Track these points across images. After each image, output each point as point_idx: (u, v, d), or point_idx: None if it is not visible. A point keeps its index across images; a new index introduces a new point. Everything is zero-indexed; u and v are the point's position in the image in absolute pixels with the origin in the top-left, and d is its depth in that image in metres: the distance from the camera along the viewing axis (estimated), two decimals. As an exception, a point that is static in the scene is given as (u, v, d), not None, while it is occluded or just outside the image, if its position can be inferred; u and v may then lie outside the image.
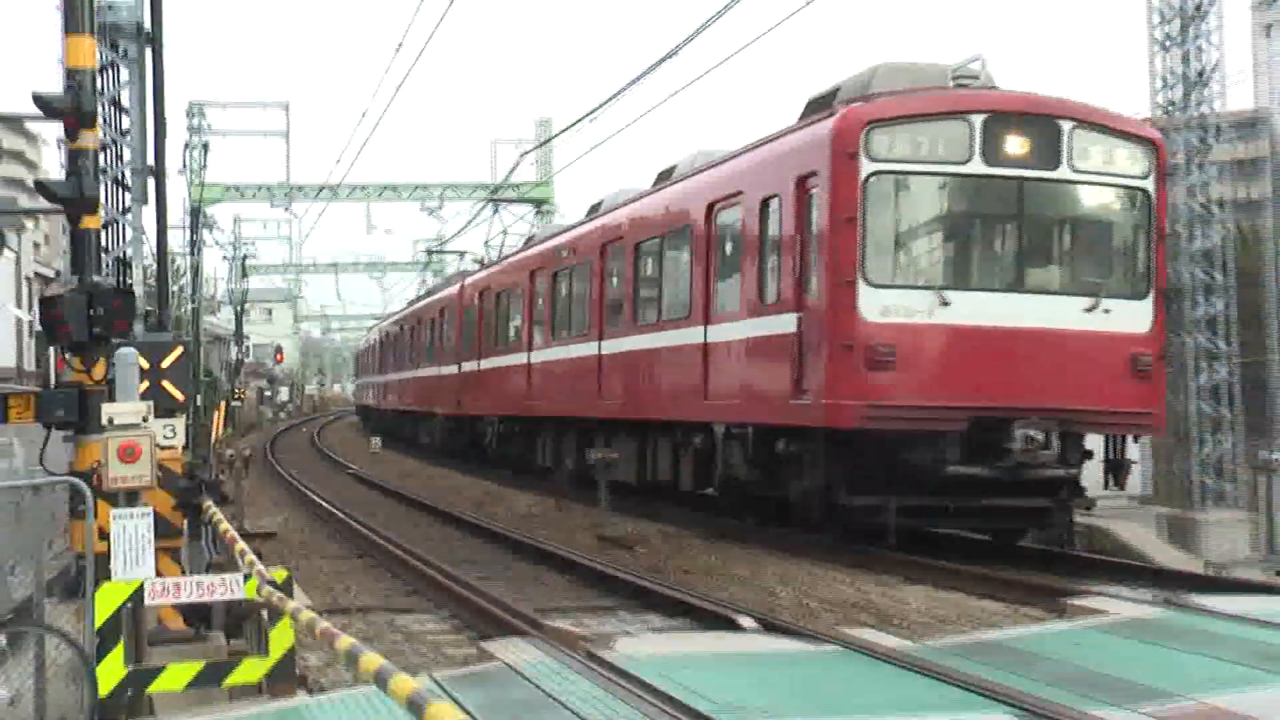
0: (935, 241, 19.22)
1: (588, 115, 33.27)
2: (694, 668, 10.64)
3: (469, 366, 41.00)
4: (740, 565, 18.21)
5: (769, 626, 12.97)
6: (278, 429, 79.15)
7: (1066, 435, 17.92)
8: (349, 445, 61.46)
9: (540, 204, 59.06)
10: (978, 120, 17.91)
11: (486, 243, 52.73)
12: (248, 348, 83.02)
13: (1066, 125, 18.35)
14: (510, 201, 55.66)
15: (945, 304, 17.68)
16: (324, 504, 29.12)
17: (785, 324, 18.72)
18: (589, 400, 27.74)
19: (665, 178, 26.51)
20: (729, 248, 22.00)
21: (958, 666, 10.50)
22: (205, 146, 56.10)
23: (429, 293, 58.60)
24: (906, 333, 17.45)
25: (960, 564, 16.70)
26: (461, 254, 61.49)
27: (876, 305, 17.42)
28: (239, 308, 77.89)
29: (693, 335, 22.14)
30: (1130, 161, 18.74)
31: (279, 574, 10.36)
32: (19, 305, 54.87)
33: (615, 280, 27.61)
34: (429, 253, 61.06)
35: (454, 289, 46.10)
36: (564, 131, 40.59)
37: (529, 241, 39.27)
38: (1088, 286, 18.50)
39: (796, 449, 18.86)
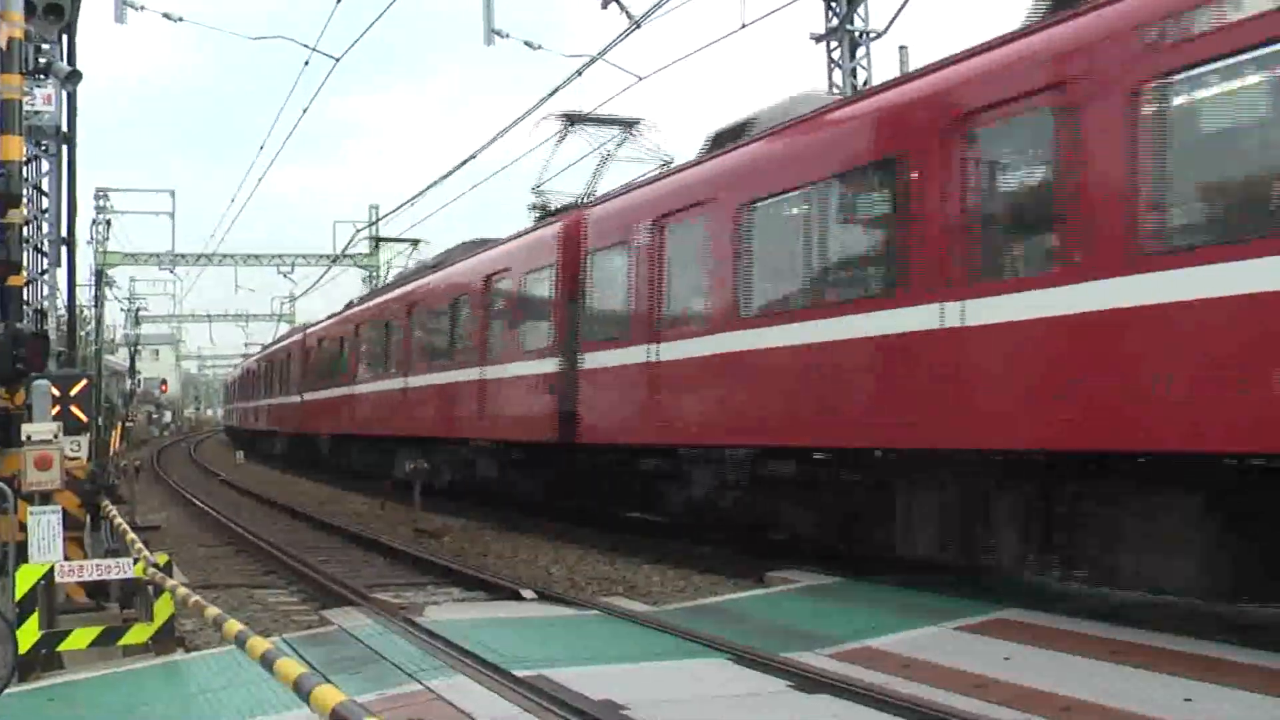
0: None
1: (407, 202, 33.23)
2: (487, 629, 10.59)
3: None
4: (524, 551, 18.20)
5: (545, 596, 12.93)
6: (163, 444, 76.72)
7: None
8: (220, 458, 59.79)
9: (371, 269, 58.31)
10: None
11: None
12: (139, 380, 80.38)
13: None
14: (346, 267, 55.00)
15: None
16: (199, 504, 28.40)
17: None
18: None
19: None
20: None
21: (687, 624, 10.57)
22: (108, 223, 55.72)
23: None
24: None
25: (690, 547, 16.60)
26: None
27: None
28: (132, 349, 76.07)
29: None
30: None
31: (161, 558, 10.27)
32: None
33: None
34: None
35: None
36: (389, 215, 40.77)
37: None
38: None
39: None
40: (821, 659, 9.06)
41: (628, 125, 21.75)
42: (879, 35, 21.26)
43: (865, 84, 20.76)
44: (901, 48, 17.56)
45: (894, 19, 20.95)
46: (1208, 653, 8.72)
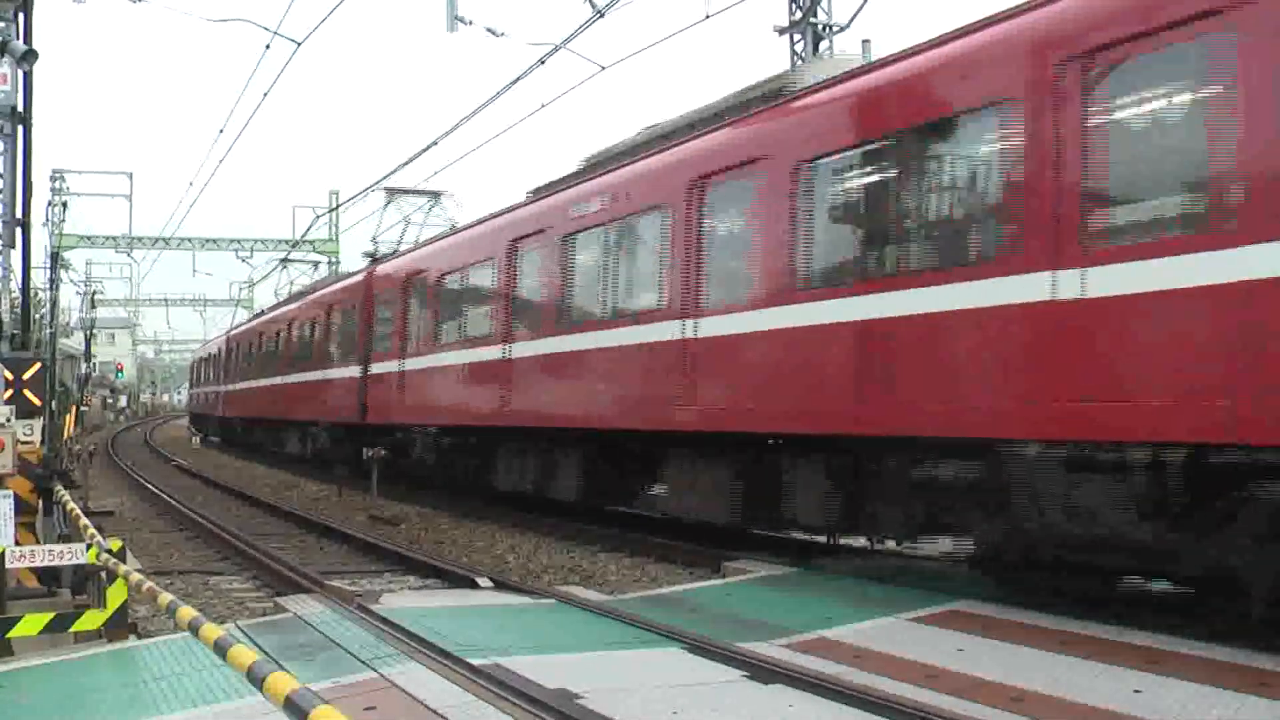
0: None
1: (366, 189, 33.77)
2: (442, 616, 10.59)
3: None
4: (480, 538, 18.20)
5: (501, 585, 12.94)
6: (118, 429, 76.11)
7: None
8: (176, 443, 59.37)
9: (330, 255, 57.90)
10: None
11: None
12: (94, 364, 79.72)
13: None
14: (305, 253, 54.82)
15: None
16: (154, 489, 28.19)
17: None
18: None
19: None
20: None
21: (643, 613, 10.60)
22: (64, 205, 54.78)
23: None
24: None
25: (645, 537, 16.70)
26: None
27: None
28: (88, 333, 75.26)
29: None
30: None
31: (114, 543, 10.17)
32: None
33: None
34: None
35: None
36: (349, 201, 40.78)
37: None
38: None
39: None
40: (776, 649, 9.09)
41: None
42: (842, 29, 21.29)
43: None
44: (864, 41, 17.61)
45: (857, 13, 20.99)
46: (1156, 645, 8.82)
